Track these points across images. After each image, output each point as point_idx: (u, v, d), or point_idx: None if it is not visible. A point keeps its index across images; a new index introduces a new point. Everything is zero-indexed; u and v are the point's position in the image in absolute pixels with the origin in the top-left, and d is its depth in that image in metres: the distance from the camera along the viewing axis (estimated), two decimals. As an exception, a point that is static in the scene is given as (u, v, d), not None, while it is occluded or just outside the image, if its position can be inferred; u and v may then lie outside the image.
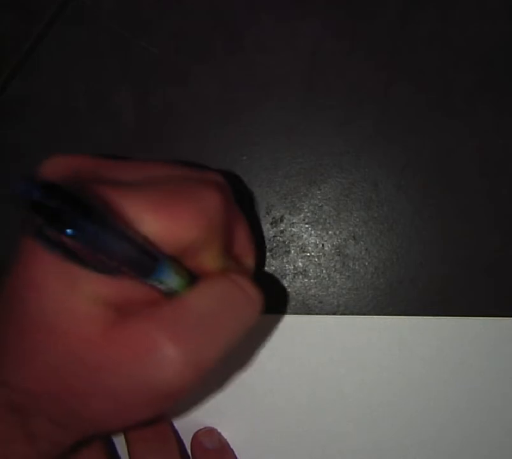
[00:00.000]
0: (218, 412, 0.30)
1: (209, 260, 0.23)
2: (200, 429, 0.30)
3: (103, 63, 0.33)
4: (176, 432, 0.30)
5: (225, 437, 0.30)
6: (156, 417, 0.28)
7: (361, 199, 0.32)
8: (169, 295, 0.22)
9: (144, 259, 0.20)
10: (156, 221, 0.21)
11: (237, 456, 0.30)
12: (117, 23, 0.33)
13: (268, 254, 0.32)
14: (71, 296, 0.21)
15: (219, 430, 0.30)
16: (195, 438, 0.30)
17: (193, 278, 0.23)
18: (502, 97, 0.32)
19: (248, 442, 0.30)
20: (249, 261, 0.26)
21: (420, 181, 0.32)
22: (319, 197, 0.32)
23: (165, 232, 0.21)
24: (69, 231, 0.18)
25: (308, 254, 0.32)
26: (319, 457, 0.30)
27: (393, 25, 0.33)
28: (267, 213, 0.32)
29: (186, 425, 0.30)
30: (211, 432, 0.30)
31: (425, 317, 0.31)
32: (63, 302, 0.21)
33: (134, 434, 0.28)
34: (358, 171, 0.32)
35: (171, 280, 0.22)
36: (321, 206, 0.32)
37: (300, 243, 0.32)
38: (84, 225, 0.18)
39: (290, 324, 0.31)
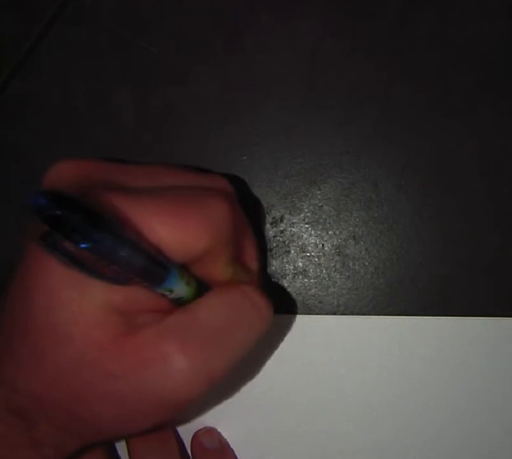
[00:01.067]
0: (218, 412, 0.30)
1: (219, 269, 0.23)
2: (200, 429, 0.30)
3: (103, 63, 0.33)
4: (176, 432, 0.30)
5: (225, 437, 0.30)
6: (161, 425, 0.29)
7: (361, 199, 0.32)
8: (179, 303, 0.22)
9: (154, 269, 0.20)
10: (166, 230, 0.21)
11: (237, 456, 0.30)
12: (117, 23, 0.33)
13: (268, 254, 0.32)
14: (81, 301, 0.21)
15: (219, 430, 0.30)
16: (195, 438, 0.30)
17: (203, 286, 0.23)
18: (502, 97, 0.32)
19: (248, 442, 0.30)
20: (255, 265, 0.26)
21: (420, 181, 0.32)
22: (319, 197, 0.32)
23: (175, 241, 0.21)
24: (78, 241, 0.18)
25: (308, 254, 0.32)
26: (319, 457, 0.30)
27: (393, 25, 0.33)
28: (267, 213, 0.32)
29: (186, 425, 0.30)
30: (211, 432, 0.30)
31: (425, 317, 0.31)
32: (73, 307, 0.21)
33: None
34: (358, 171, 0.32)
35: (181, 289, 0.22)
36: (321, 206, 0.32)
37: (300, 243, 0.32)
38: (94, 236, 0.18)
39: (290, 324, 0.31)
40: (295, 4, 0.33)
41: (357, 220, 0.32)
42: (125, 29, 0.33)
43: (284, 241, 0.32)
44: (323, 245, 0.32)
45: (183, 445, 0.30)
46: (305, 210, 0.32)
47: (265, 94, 0.33)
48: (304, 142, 0.32)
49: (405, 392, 0.30)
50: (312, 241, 0.32)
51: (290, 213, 0.32)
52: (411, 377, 0.30)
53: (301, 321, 0.31)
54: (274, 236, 0.32)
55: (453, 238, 0.32)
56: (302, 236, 0.32)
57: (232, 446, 0.30)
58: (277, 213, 0.32)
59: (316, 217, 0.32)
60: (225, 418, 0.30)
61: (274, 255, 0.32)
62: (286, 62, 0.33)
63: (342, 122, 0.32)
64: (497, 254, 0.31)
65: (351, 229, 0.32)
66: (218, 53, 0.33)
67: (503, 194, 0.32)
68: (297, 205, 0.32)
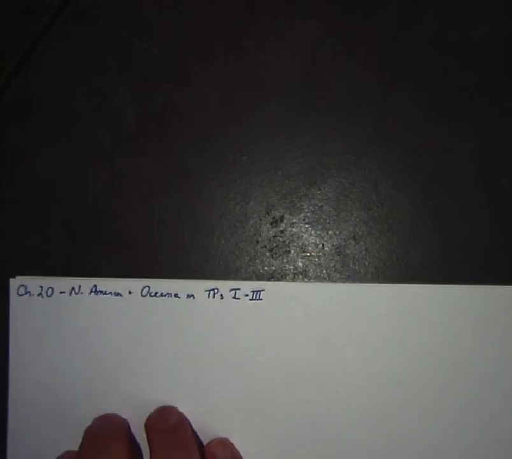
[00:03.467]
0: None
1: None
2: (214, 440, 0.30)
3: (103, 63, 0.33)
4: (197, 438, 0.30)
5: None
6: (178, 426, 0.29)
7: (361, 199, 0.32)
8: None
9: None
10: None
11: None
12: (117, 23, 0.33)
13: (268, 254, 0.32)
14: None
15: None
16: (208, 448, 0.30)
17: None
18: (502, 97, 0.32)
19: (244, 400, 0.30)
20: None
21: (420, 181, 0.32)
22: (319, 197, 0.32)
23: None
24: None
25: (308, 254, 0.32)
26: (318, 422, 0.30)
27: (393, 25, 0.33)
28: (267, 213, 0.32)
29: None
30: (223, 444, 0.30)
31: (428, 284, 0.31)
32: None
33: (158, 441, 0.29)
34: (358, 171, 0.32)
35: None
36: (321, 206, 0.32)
37: (300, 243, 0.32)
38: None
39: (291, 291, 0.31)
40: (295, 4, 0.33)
41: (357, 220, 0.32)
42: (125, 29, 0.33)
43: (284, 241, 0.32)
44: (323, 245, 0.32)
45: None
46: (305, 210, 0.32)
47: (265, 94, 0.33)
48: (304, 142, 0.33)
49: (405, 360, 0.30)
50: (312, 241, 0.32)
51: (290, 213, 0.32)
52: (412, 343, 0.30)
53: (302, 288, 0.31)
54: (274, 236, 0.32)
55: (453, 238, 0.32)
56: (302, 236, 0.32)
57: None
58: (277, 213, 0.32)
59: (316, 217, 0.32)
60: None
61: (274, 255, 0.32)
62: (286, 62, 0.33)
63: (342, 122, 0.32)
64: (497, 254, 0.31)
65: (351, 229, 0.32)
66: (218, 53, 0.33)
67: (503, 194, 0.32)
68: (297, 205, 0.32)
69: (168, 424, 0.29)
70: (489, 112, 0.32)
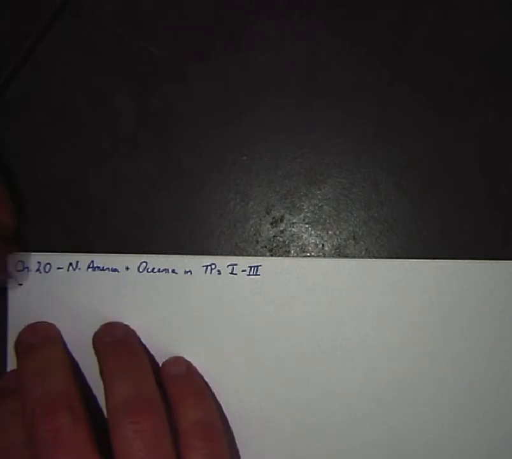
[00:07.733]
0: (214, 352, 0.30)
1: None
2: (167, 360, 0.30)
3: (103, 63, 0.33)
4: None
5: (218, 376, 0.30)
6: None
7: (361, 199, 0.32)
8: None
9: None
10: None
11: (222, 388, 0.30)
12: (117, 23, 0.33)
13: (268, 254, 0.32)
14: None
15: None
16: (162, 367, 0.30)
17: None
18: (502, 97, 0.32)
19: (243, 380, 0.30)
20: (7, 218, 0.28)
21: (420, 181, 0.32)
22: (319, 197, 0.32)
23: None
24: None
25: (308, 254, 0.32)
26: (313, 397, 0.30)
27: (393, 25, 0.33)
28: (267, 213, 0.32)
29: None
30: (177, 359, 0.30)
31: (424, 259, 0.31)
32: None
33: (106, 351, 0.28)
34: (358, 171, 0.32)
35: None
36: (321, 206, 0.32)
37: (300, 243, 0.32)
38: None
39: (289, 267, 0.31)
40: (295, 4, 0.33)
41: (357, 220, 0.32)
42: (125, 29, 0.33)
43: (284, 241, 0.32)
44: (323, 245, 0.32)
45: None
46: (305, 210, 0.32)
47: (265, 93, 0.33)
48: (304, 142, 0.33)
49: (404, 335, 0.30)
50: (312, 241, 0.32)
51: (290, 213, 0.32)
52: (410, 319, 0.30)
53: (299, 264, 0.31)
54: (274, 236, 0.32)
55: (453, 238, 0.32)
56: (302, 236, 0.32)
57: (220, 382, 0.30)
58: (277, 213, 0.32)
59: (316, 217, 0.32)
60: (222, 361, 0.30)
61: (274, 255, 0.32)
62: (286, 62, 0.33)
63: (342, 122, 0.32)
64: (498, 255, 0.31)
65: (351, 229, 0.32)
66: (218, 53, 0.33)
67: (503, 194, 0.32)
68: (297, 205, 0.32)
69: (115, 336, 0.29)
70: (489, 112, 0.32)
